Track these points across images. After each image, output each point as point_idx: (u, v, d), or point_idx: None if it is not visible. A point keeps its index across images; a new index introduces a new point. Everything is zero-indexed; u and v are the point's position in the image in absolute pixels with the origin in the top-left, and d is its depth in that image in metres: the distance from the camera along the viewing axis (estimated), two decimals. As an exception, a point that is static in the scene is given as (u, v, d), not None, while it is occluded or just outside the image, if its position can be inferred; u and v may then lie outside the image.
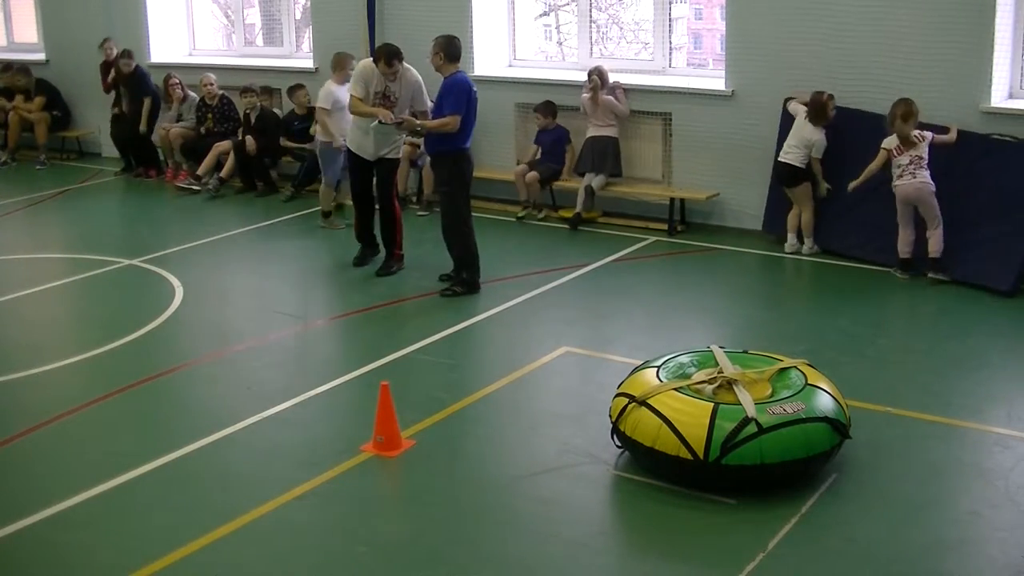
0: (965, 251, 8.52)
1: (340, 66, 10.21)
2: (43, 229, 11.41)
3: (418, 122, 8.58)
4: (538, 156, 10.82)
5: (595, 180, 10.32)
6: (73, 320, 8.74)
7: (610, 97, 10.26)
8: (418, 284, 8.80)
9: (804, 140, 9.06)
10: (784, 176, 9.25)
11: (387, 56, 8.72)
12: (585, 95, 10.29)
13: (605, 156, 10.30)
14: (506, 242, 10.04)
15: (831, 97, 9.03)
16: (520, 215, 10.74)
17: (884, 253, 8.89)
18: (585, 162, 10.46)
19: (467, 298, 8.44)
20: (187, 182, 12.28)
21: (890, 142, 8.63)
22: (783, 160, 9.20)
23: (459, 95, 8.33)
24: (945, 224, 8.54)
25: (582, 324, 7.87)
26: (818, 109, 9.01)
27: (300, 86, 11.94)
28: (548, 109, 10.69)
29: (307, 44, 13.07)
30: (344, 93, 9.69)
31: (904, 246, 8.70)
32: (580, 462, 5.83)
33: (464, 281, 8.51)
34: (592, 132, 10.37)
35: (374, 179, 9.13)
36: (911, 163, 8.53)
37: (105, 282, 9.19)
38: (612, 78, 10.41)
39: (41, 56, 14.67)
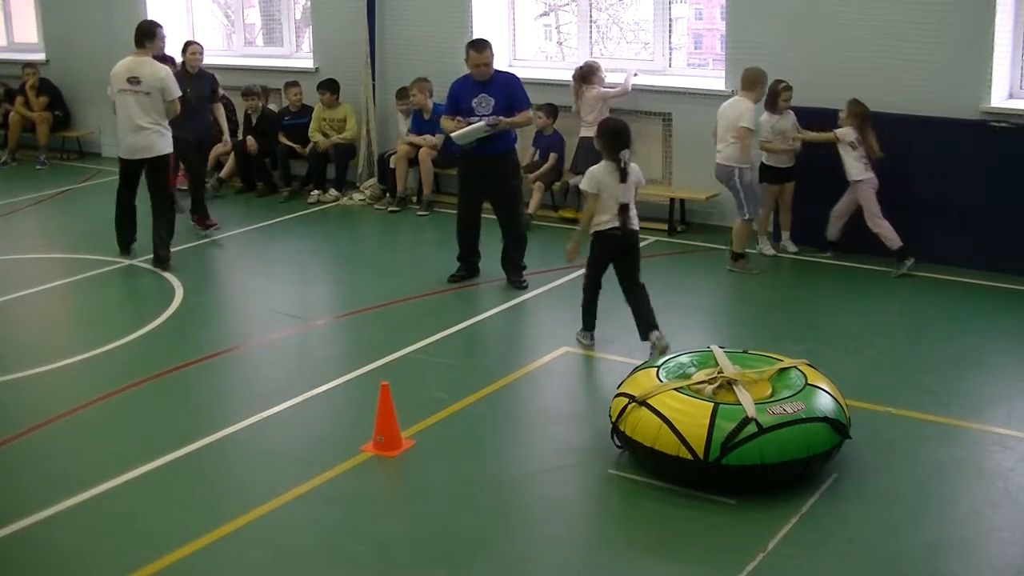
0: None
1: (756, 82, 8.88)
2: (43, 229, 11.42)
3: (507, 120, 8.31)
4: (536, 158, 10.78)
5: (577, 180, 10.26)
6: (73, 320, 8.73)
7: (599, 89, 10.13)
8: (418, 284, 8.79)
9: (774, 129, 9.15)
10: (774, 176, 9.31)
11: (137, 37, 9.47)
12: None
13: (588, 159, 9.76)
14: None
15: (786, 88, 9.07)
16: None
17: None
18: (576, 163, 10.28)
19: (467, 298, 8.44)
20: (184, 182, 12.26)
21: (848, 134, 8.74)
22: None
23: (524, 90, 8.49)
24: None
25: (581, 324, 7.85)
26: (770, 96, 9.07)
27: (294, 83, 12.00)
28: (550, 111, 10.66)
29: (307, 44, 13.07)
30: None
31: (894, 237, 8.77)
32: (580, 462, 5.83)
33: (522, 268, 8.65)
34: (582, 132, 10.24)
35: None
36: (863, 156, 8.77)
37: (105, 282, 9.19)
38: (609, 74, 10.27)
39: (41, 56, 14.68)
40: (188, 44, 10.85)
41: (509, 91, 8.36)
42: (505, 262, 8.65)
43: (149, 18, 11.37)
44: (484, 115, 8.25)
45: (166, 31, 10.32)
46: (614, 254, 7.22)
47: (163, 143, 9.50)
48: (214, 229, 10.42)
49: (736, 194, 8.84)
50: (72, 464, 5.96)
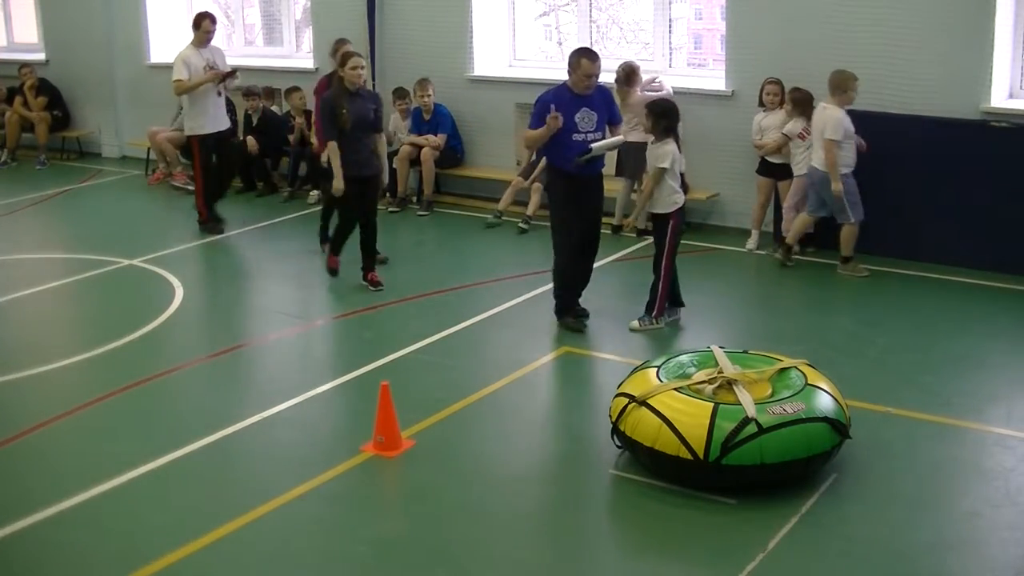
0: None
1: (837, 86, 8.56)
2: (43, 229, 11.41)
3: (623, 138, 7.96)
4: (533, 158, 10.71)
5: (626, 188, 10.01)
6: (73, 320, 8.73)
7: (647, 93, 9.75)
8: (418, 284, 8.79)
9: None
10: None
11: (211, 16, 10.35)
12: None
13: (640, 162, 8.82)
14: (506, 242, 10.04)
15: (771, 83, 9.35)
16: (491, 223, 10.43)
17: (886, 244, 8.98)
18: (628, 168, 9.89)
19: (467, 298, 8.43)
20: (183, 182, 12.31)
21: (795, 128, 9.00)
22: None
23: None
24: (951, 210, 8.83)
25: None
26: (759, 94, 9.44)
27: (296, 88, 11.97)
28: None
29: (307, 44, 13.07)
30: (849, 118, 8.56)
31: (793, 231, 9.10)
32: (580, 462, 5.83)
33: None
34: (630, 136, 9.38)
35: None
36: (810, 147, 8.92)
37: (105, 282, 9.19)
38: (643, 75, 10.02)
39: (41, 56, 14.68)
40: (348, 56, 8.57)
41: (608, 104, 7.71)
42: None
43: (204, 9, 11.40)
44: (589, 131, 7.51)
45: (211, 24, 10.40)
46: None
47: (187, 124, 10.48)
48: (376, 286, 8.70)
49: (838, 200, 8.61)
50: (72, 464, 5.97)
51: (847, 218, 8.69)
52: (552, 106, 7.42)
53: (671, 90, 9.94)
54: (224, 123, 10.59)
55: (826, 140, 8.50)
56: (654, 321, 7.65)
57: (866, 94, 9.08)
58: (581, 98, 7.49)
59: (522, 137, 7.85)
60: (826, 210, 8.80)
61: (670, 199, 7.49)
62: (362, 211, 8.71)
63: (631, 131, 9.40)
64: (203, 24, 10.36)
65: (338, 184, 8.45)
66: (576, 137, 7.50)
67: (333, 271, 8.99)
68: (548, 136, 7.49)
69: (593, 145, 7.50)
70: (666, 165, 7.41)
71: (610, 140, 7.63)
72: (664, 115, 7.50)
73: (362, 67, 8.49)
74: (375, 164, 8.67)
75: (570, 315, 7.78)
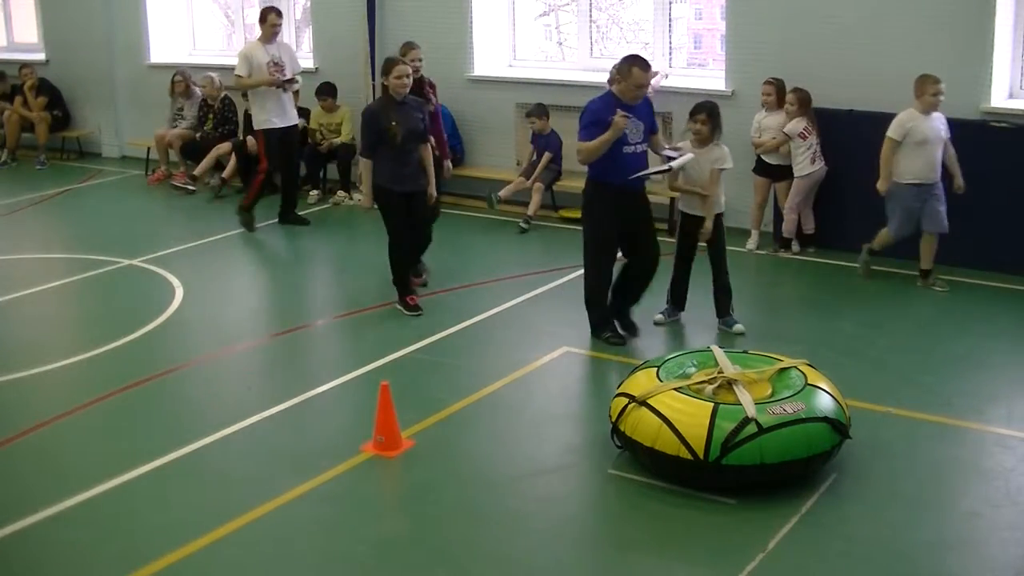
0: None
1: (917, 91, 8.23)
2: (43, 229, 11.41)
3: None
4: (534, 158, 10.73)
5: None
6: (73, 320, 8.74)
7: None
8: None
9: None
10: None
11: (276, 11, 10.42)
12: None
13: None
14: (506, 242, 10.04)
15: (768, 83, 9.42)
16: (523, 228, 10.31)
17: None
18: None
19: (467, 298, 8.43)
20: (183, 182, 12.31)
21: (796, 127, 9.12)
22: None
23: None
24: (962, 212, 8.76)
25: (582, 324, 7.85)
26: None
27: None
28: (542, 112, 10.57)
29: (307, 44, 13.07)
30: (928, 125, 8.21)
31: (810, 225, 9.39)
32: (580, 462, 5.83)
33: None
34: None
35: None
36: (815, 147, 9.11)
37: (105, 282, 9.19)
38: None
39: (41, 56, 14.68)
40: (392, 63, 7.94)
41: (650, 114, 7.37)
42: (628, 298, 7.61)
43: (270, 4, 11.33)
44: (637, 143, 7.13)
45: (277, 18, 10.46)
46: None
47: (254, 119, 10.44)
48: (415, 311, 8.08)
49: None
50: (72, 464, 5.97)
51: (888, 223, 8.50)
52: (617, 108, 6.97)
53: (659, 85, 9.97)
54: (286, 119, 10.43)
55: (887, 140, 8.26)
56: (734, 318, 7.65)
57: (866, 94, 9.11)
58: (629, 109, 7.05)
59: (577, 152, 7.27)
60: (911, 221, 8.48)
61: (721, 198, 7.57)
62: (409, 225, 8.09)
63: None
64: (268, 18, 10.38)
65: (366, 201, 8.09)
66: (627, 150, 7.07)
67: (414, 308, 8.09)
68: (613, 141, 6.95)
69: (674, 164, 7.24)
70: (730, 165, 7.50)
71: (686, 157, 7.30)
72: (717, 116, 7.46)
73: (408, 75, 7.87)
74: (422, 178, 8.07)
75: (608, 330, 7.42)
